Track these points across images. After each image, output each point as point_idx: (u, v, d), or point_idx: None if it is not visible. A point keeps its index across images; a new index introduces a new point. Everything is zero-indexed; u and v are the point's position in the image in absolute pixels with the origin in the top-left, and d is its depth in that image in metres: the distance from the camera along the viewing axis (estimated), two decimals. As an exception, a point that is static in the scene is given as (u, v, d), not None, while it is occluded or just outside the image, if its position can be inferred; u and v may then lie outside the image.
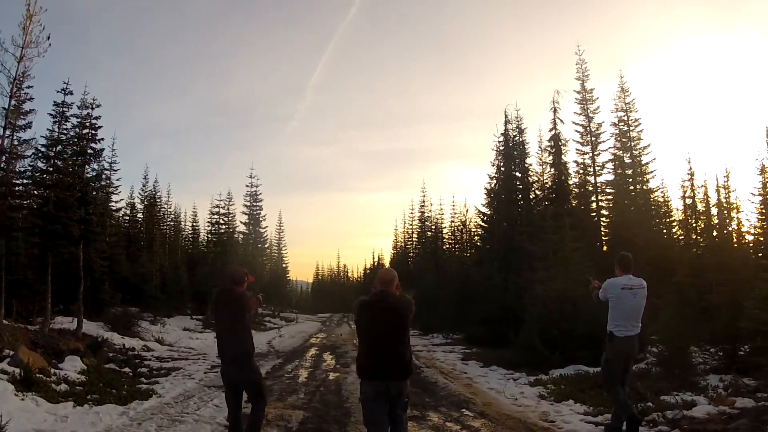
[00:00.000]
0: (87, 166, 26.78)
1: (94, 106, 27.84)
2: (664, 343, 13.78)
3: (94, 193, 27.40)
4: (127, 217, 50.40)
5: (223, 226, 50.97)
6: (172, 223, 60.48)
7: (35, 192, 23.95)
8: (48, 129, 24.30)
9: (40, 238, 23.10)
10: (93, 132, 27.67)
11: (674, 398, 10.48)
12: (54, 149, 24.18)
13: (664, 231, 28.18)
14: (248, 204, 54.37)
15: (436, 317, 33.26)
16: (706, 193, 27.72)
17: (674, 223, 29.11)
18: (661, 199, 29.57)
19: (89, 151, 27.42)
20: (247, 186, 54.27)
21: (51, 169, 23.96)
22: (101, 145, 28.53)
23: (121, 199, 43.36)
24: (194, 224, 62.43)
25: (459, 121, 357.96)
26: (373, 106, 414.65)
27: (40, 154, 23.59)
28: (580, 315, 16.28)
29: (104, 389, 12.55)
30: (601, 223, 28.73)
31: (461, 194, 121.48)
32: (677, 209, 29.56)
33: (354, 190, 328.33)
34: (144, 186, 53.06)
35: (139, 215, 52.04)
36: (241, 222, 54.60)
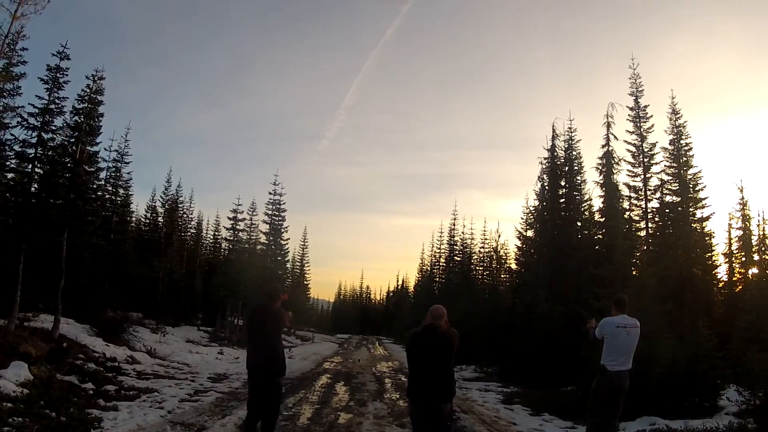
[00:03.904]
0: (81, 145, 23.70)
1: (96, 78, 24.94)
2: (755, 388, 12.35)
3: (87, 177, 24.20)
4: (147, 220, 50.24)
5: (241, 233, 48.34)
6: (193, 230, 59.42)
7: (16, 167, 21.19)
8: (36, 96, 21.27)
9: (13, 220, 20.39)
10: (91, 106, 24.66)
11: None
12: (41, 119, 21.07)
13: (711, 263, 26.11)
14: (270, 213, 51.25)
15: (466, 348, 29.93)
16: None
17: (716, 256, 27.11)
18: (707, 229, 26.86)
19: (85, 127, 24.22)
20: (269, 193, 51.08)
21: (35, 140, 20.94)
22: (99, 122, 25.37)
23: (132, 203, 42.59)
24: (216, 233, 61.73)
25: (490, 150, 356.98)
26: (405, 130, 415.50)
27: (25, 123, 20.60)
28: (657, 355, 13.35)
29: (39, 411, 10.03)
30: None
31: (492, 222, 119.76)
32: (724, 242, 28.21)
33: (381, 212, 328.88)
34: (166, 189, 51.74)
35: (160, 219, 50.80)
36: (261, 232, 51.96)
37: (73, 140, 23.17)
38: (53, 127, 21.43)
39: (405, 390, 7.99)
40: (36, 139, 20.73)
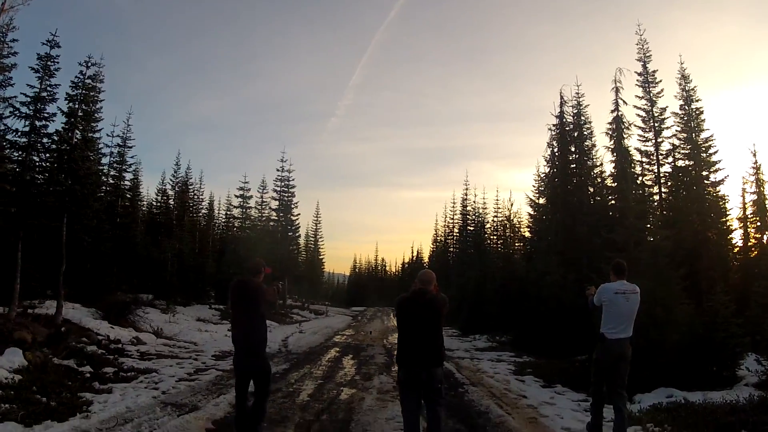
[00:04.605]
0: (77, 131, 23.41)
1: (89, 64, 24.53)
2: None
3: (85, 162, 23.89)
4: (158, 203, 50.46)
5: (251, 210, 48.22)
6: (205, 211, 59.32)
7: (10, 155, 20.95)
8: (28, 84, 21.09)
9: (10, 208, 20.09)
10: (86, 92, 24.33)
11: None
12: (33, 107, 20.82)
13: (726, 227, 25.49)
14: (278, 189, 50.96)
15: (478, 317, 30.40)
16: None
17: (730, 221, 26.23)
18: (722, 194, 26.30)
19: (80, 113, 23.92)
20: (277, 170, 50.79)
21: (27, 129, 20.74)
22: (96, 108, 25.00)
23: (141, 186, 43.33)
24: (228, 213, 61.26)
25: (498, 122, 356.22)
26: (412, 105, 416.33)
27: (17, 113, 20.38)
28: (674, 321, 12.97)
29: (29, 396, 9.82)
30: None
31: (504, 192, 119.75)
32: (738, 207, 27.19)
33: (393, 186, 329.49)
34: (176, 172, 51.70)
35: (171, 201, 50.78)
36: (271, 209, 52.34)
37: (68, 126, 22.88)
38: (45, 114, 21.25)
39: None
40: (29, 127, 20.56)
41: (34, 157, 21.22)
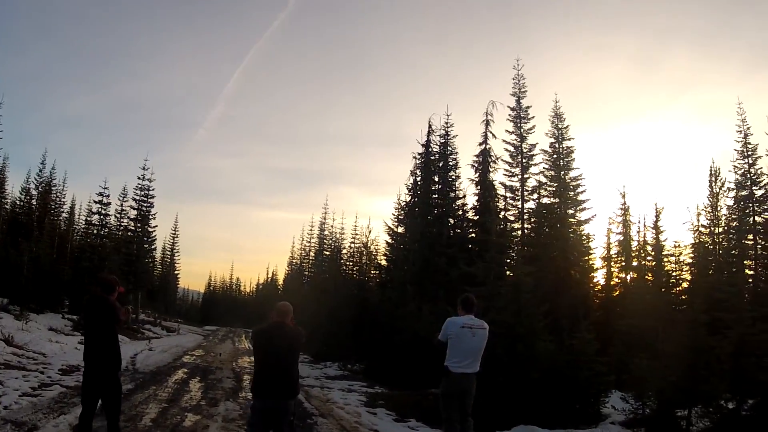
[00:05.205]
0: None
1: None
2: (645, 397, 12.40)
3: None
4: (22, 203, 49.52)
5: (109, 218, 46.73)
6: (66, 214, 57.24)
7: None
8: None
9: None
10: None
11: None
12: None
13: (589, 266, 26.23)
14: (137, 198, 49.78)
15: (331, 344, 29.95)
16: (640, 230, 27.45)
17: (593, 259, 27.13)
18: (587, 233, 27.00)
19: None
20: (138, 178, 49.63)
21: None
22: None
23: (6, 182, 43.25)
24: (88, 218, 58.57)
25: (363, 147, 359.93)
26: (281, 121, 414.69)
27: None
28: (536, 357, 13.08)
29: None
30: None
31: (363, 218, 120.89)
32: (602, 246, 28.20)
33: (254, 205, 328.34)
34: (41, 171, 50.45)
35: (34, 202, 49.70)
36: (129, 218, 50.73)
37: None
38: None
39: None
40: None
41: None
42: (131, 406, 12.05)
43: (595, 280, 26.37)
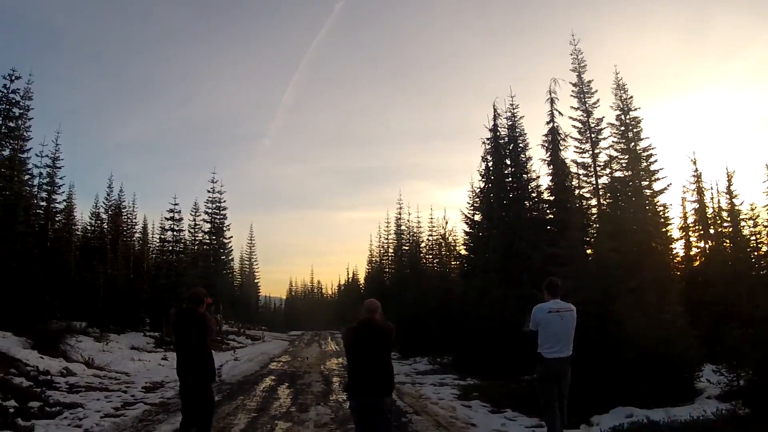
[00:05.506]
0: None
1: (13, 77, 23.90)
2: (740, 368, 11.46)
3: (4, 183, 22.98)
4: (92, 227, 49.22)
5: (183, 233, 47.17)
6: (139, 234, 57.79)
7: None
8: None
9: None
10: (8, 107, 23.64)
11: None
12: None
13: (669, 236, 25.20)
14: (209, 211, 50.46)
15: (418, 338, 29.62)
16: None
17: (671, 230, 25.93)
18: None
19: (3, 129, 22.86)
20: (208, 191, 50.34)
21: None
22: (19, 124, 24.17)
23: (75, 208, 42.22)
24: (162, 236, 59.05)
25: (430, 141, 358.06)
26: (344, 125, 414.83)
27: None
28: (627, 335, 12.45)
29: None
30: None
31: (438, 210, 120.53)
32: (679, 216, 27.72)
33: (327, 208, 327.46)
34: (108, 195, 50.52)
35: (105, 225, 49.68)
36: (203, 231, 51.76)
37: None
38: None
39: None
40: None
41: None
42: (219, 418, 11.91)
43: (674, 251, 25.42)
